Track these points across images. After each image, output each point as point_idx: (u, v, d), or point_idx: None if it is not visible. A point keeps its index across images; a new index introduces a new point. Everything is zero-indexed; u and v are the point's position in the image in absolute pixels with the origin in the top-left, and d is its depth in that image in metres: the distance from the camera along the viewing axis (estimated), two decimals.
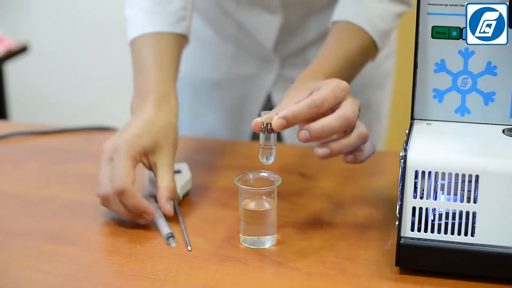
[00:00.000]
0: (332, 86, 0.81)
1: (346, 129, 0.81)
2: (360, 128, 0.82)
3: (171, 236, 0.83)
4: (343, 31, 0.98)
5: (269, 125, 0.80)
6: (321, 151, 0.80)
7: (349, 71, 0.96)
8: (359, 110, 0.83)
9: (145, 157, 0.90)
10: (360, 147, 0.82)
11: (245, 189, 0.82)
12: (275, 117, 0.79)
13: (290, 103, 0.82)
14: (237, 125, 1.24)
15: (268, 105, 1.22)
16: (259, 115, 0.82)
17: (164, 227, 0.84)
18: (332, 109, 0.81)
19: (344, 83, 0.82)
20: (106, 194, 0.85)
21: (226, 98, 1.24)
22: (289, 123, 0.79)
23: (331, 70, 0.92)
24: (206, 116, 1.25)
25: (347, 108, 0.80)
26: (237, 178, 0.82)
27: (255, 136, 1.18)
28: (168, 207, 0.87)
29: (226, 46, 1.21)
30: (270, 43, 1.17)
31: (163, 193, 0.88)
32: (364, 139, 0.82)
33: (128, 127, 0.91)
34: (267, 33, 1.16)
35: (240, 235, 0.83)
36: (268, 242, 0.83)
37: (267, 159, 0.81)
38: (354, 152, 0.83)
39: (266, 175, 0.84)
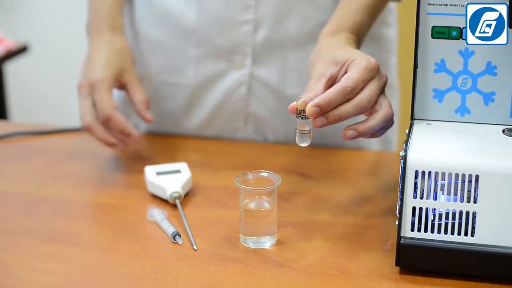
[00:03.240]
0: (361, 68, 0.83)
1: (364, 112, 0.84)
2: (385, 110, 0.84)
3: (177, 234, 0.82)
4: None
5: (302, 111, 0.82)
6: (350, 133, 0.83)
7: (371, 17, 0.98)
8: (385, 84, 0.86)
9: (117, 81, 1.03)
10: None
11: (245, 189, 0.82)
12: (308, 105, 0.81)
13: (321, 78, 0.85)
14: (227, 121, 1.18)
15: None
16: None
17: (169, 227, 0.84)
18: None
19: (372, 63, 0.84)
20: (90, 124, 0.99)
21: (204, 100, 1.16)
22: (322, 110, 0.81)
23: (354, 23, 0.95)
24: (192, 117, 1.18)
25: (365, 95, 0.83)
26: (237, 178, 0.82)
27: (248, 131, 1.16)
28: (148, 115, 1.03)
29: (186, 42, 1.12)
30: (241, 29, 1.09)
31: (140, 105, 1.03)
32: (389, 121, 0.84)
33: (93, 60, 1.03)
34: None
35: (240, 235, 0.83)
36: (268, 242, 0.82)
37: (302, 142, 0.84)
38: (377, 131, 0.85)
39: (266, 175, 0.84)
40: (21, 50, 2.64)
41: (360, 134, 0.83)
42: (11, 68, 2.84)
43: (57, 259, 0.80)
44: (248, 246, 0.82)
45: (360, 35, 0.96)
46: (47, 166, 1.06)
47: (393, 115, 0.85)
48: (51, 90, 3.00)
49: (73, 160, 1.08)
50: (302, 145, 0.84)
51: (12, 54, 2.58)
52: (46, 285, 0.76)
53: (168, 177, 0.94)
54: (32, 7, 2.93)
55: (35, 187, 0.99)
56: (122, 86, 1.05)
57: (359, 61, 0.84)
